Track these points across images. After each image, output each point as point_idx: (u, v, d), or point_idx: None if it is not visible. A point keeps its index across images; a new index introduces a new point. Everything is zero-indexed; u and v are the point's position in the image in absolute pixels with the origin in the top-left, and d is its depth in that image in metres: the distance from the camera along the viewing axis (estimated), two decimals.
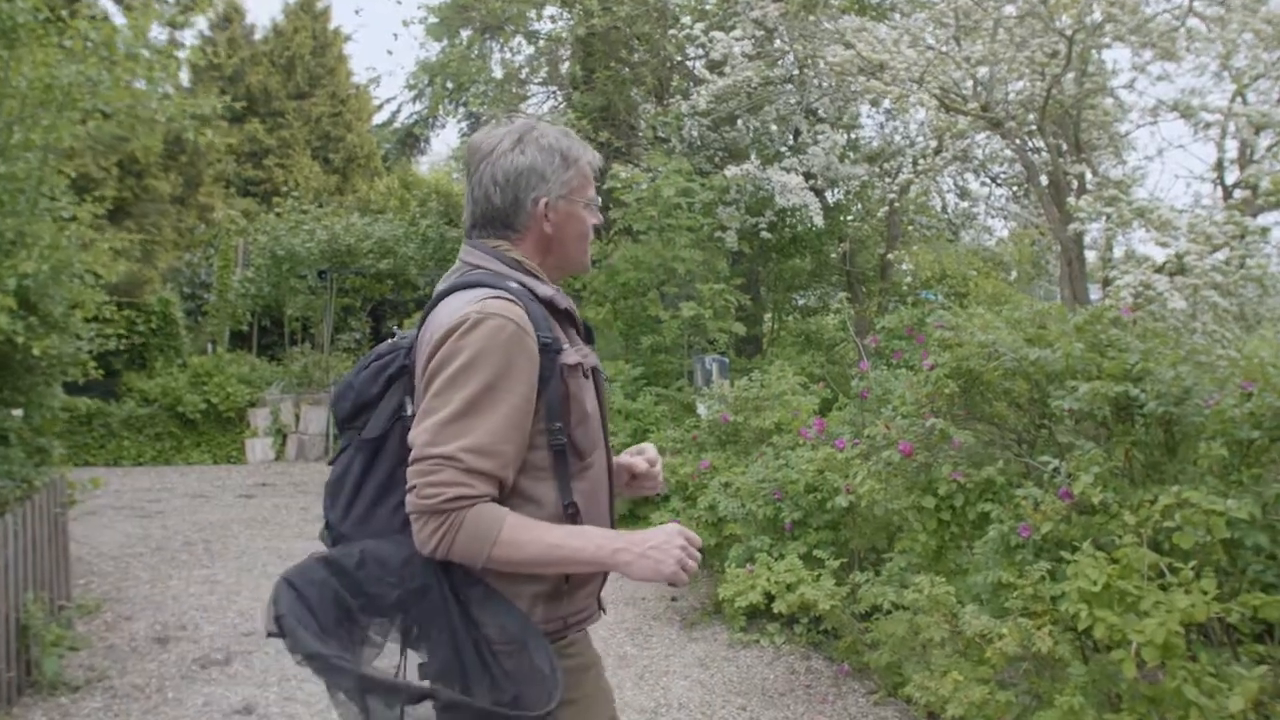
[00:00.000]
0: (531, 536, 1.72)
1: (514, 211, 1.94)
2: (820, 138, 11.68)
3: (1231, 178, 10.67)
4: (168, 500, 12.25)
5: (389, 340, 1.98)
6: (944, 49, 9.58)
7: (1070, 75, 9.37)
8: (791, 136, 12.55)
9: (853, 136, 13.00)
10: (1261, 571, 4.35)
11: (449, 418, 1.70)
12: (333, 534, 1.85)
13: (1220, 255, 8.24)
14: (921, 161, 10.94)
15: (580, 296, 12.17)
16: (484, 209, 1.96)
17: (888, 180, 11.97)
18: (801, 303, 14.78)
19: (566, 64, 16.06)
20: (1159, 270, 7.61)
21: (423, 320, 1.89)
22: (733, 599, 6.25)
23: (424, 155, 27.33)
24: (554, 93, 16.85)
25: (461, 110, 16.74)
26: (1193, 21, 9.32)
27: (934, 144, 12.00)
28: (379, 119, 25.08)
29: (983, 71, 9.69)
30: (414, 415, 1.80)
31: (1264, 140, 9.83)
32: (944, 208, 14.42)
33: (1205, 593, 3.88)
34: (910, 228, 14.15)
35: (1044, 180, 10.15)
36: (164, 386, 15.49)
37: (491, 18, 14.73)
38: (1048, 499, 4.57)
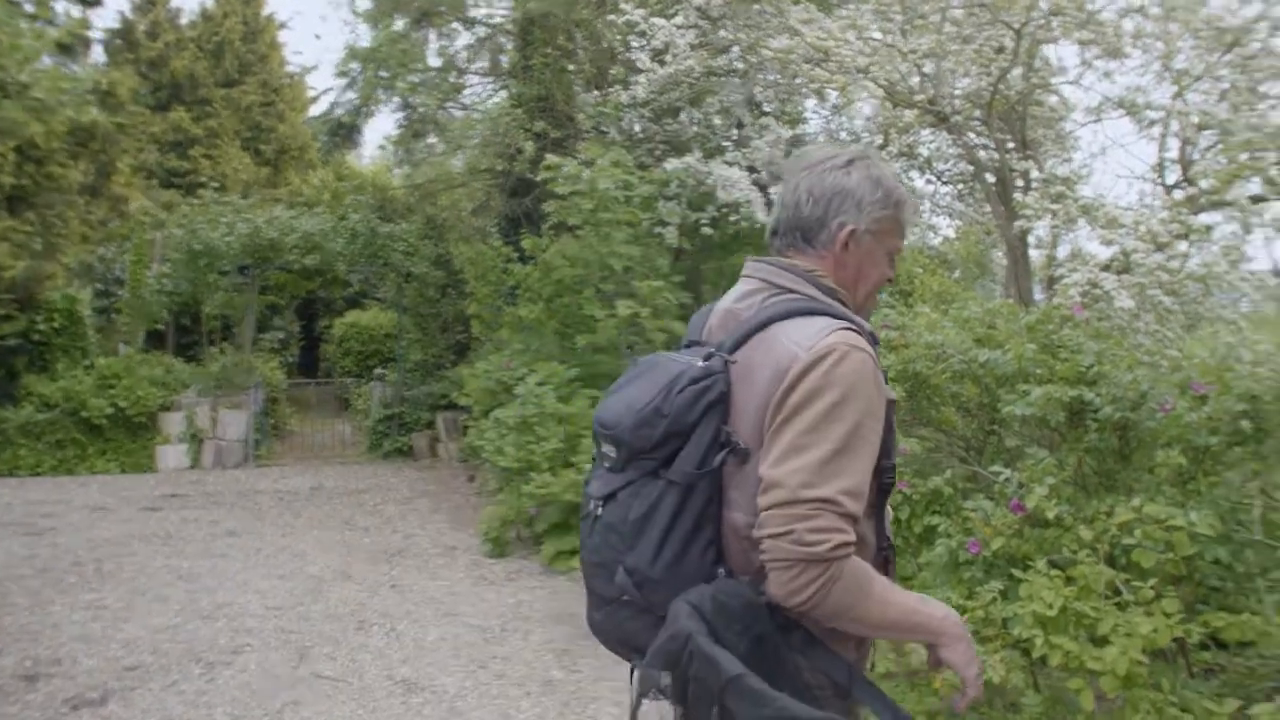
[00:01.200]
0: (898, 598, 1.72)
1: (818, 227, 1.91)
2: (764, 131, 11.35)
3: (1172, 177, 10.57)
4: (63, 515, 11.40)
5: (701, 363, 1.80)
6: (889, 41, 9.31)
7: (1018, 71, 9.15)
8: (735, 130, 12.21)
9: (797, 131, 12.69)
10: (1219, 585, 4.10)
11: (826, 457, 1.62)
12: (635, 579, 1.73)
13: (1163, 254, 8.07)
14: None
15: (513, 294, 11.73)
16: (791, 215, 1.94)
17: None
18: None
19: (506, 55, 15.60)
20: (1106, 268, 7.40)
21: (738, 344, 1.80)
22: None
23: (360, 148, 26.62)
24: (494, 83, 16.39)
25: (395, 101, 16.16)
26: (1139, 19, 9.16)
27: (880, 139, 11.75)
28: (317, 110, 24.38)
29: (929, 66, 9.44)
30: (735, 449, 1.72)
31: (1204, 140, 9.72)
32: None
33: (1169, 615, 3.60)
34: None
35: (990, 177, 9.94)
36: (66, 390, 14.52)
37: (427, 2, 14.21)
38: (998, 512, 4.27)
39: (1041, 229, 9.65)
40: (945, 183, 13.67)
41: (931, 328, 5.12)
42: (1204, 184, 9.73)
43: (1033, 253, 10.39)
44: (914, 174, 13.74)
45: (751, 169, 11.51)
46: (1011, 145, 9.62)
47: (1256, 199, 8.43)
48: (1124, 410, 4.34)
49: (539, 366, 9.91)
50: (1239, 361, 7.97)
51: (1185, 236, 8.42)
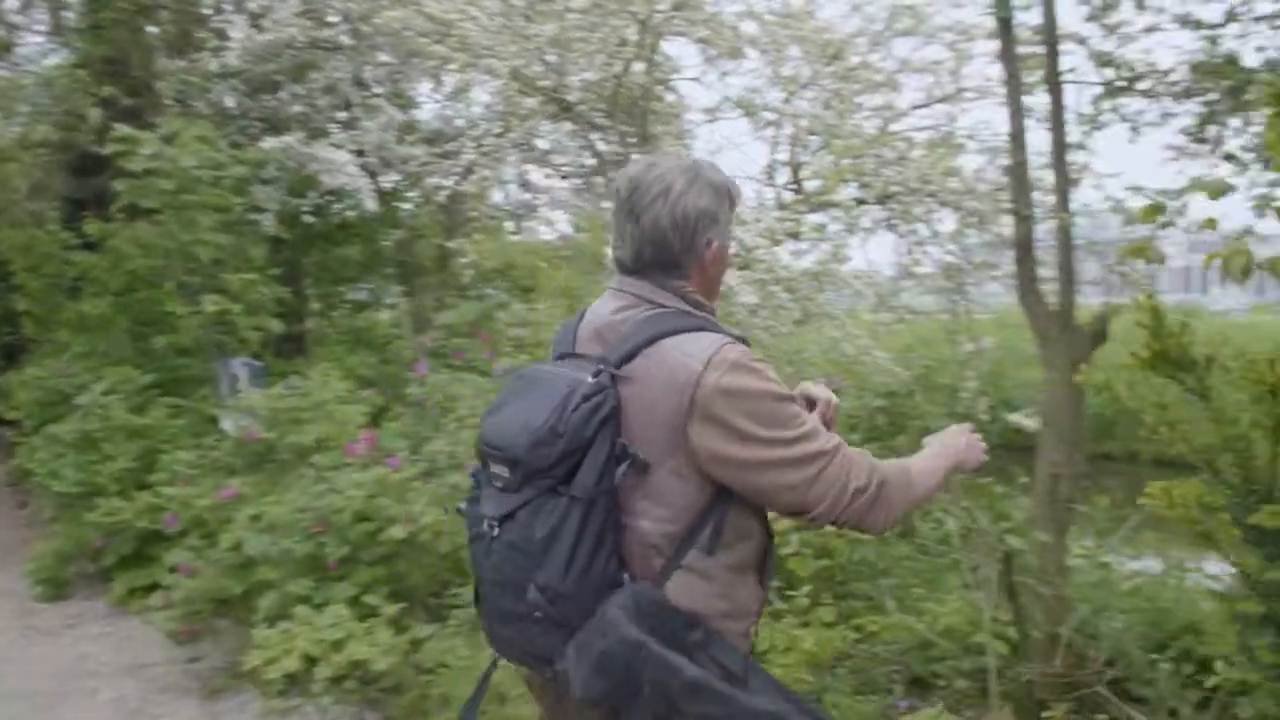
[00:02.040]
0: (921, 464, 2.07)
1: (687, 253, 1.96)
2: (375, 113, 10.46)
3: (782, 178, 11.00)
4: None
5: (591, 379, 1.84)
6: (511, 23, 8.82)
7: (640, 65, 9.01)
8: (342, 110, 11.19)
9: (410, 115, 11.89)
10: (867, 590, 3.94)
11: (791, 436, 1.85)
12: (548, 595, 1.78)
13: (780, 250, 8.22)
14: (486, 143, 10.11)
15: (76, 287, 9.98)
16: (657, 250, 1.96)
17: (448, 163, 11.01)
18: (351, 297, 13.35)
19: (71, 10, 13.41)
20: (745, 265, 7.37)
21: (625, 358, 1.86)
22: (265, 667, 4.90)
23: None
24: (57, 41, 14.04)
25: None
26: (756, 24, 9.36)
27: (499, 128, 11.25)
28: None
29: (552, 56, 9.06)
30: (634, 461, 1.82)
31: (813, 143, 10.17)
32: (506, 198, 13.76)
33: (829, 625, 3.33)
34: (474, 216, 13.31)
35: (612, 172, 9.75)
36: None
37: None
38: None
39: None
40: (564, 177, 13.48)
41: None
42: (811, 186, 10.16)
43: None
44: (530, 167, 13.41)
45: (360, 153, 10.61)
46: (634, 140, 9.49)
47: (860, 201, 8.85)
48: None
49: (107, 372, 8.40)
50: (845, 356, 8.39)
51: (796, 235, 8.67)
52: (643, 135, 9.42)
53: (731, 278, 6.82)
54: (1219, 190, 7.20)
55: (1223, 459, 2.29)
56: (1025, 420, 6.84)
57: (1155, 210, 2.59)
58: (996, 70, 9.92)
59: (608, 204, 12.54)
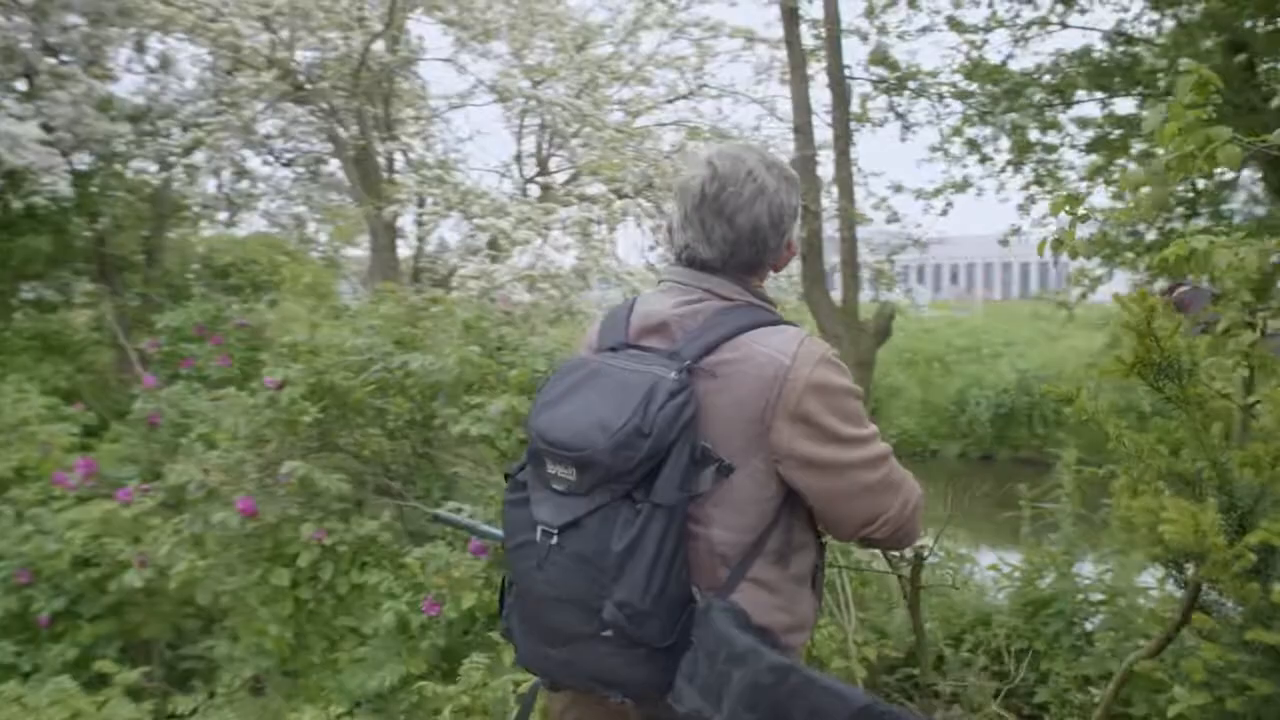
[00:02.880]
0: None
1: (776, 252, 1.85)
2: (68, 84, 9.09)
3: (530, 170, 10.60)
4: None
5: (674, 375, 1.66)
6: None
7: (382, 44, 8.31)
8: (24, 79, 9.66)
9: (110, 89, 10.47)
10: None
11: (872, 436, 1.77)
12: (627, 612, 1.61)
13: (540, 244, 7.83)
14: (202, 124, 9.03)
15: None
16: (755, 251, 1.81)
17: (160, 142, 9.77)
18: (35, 296, 11.56)
19: None
20: (495, 259, 6.88)
21: (705, 352, 1.71)
22: None
23: None
24: None
25: None
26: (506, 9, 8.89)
27: (216, 105, 10.11)
28: None
29: (285, 32, 8.18)
30: (721, 466, 1.69)
31: (560, 136, 9.82)
32: (220, 186, 12.46)
33: None
34: (184, 205, 11.94)
35: (343, 157, 8.97)
36: None
37: None
38: (462, 559, 3.30)
39: (406, 218, 8.95)
40: (287, 164, 12.42)
41: (357, 330, 3.99)
42: (560, 178, 9.82)
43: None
44: (248, 153, 12.23)
45: (49, 128, 9.20)
46: (375, 125, 8.76)
47: (620, 195, 8.59)
48: None
49: None
50: None
51: (546, 232, 8.29)
52: (386, 120, 8.72)
53: (503, 273, 6.34)
54: (963, 188, 7.52)
55: (1206, 475, 2.11)
56: None
57: (1069, 201, 2.42)
58: (743, 69, 10.04)
59: (334, 196, 11.67)
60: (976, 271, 57.54)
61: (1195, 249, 2.19)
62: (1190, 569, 2.63)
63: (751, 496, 1.73)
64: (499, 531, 1.90)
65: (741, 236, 1.80)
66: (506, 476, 1.84)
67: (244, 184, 12.75)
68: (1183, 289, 2.65)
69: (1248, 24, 5.55)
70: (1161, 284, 2.67)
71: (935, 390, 18.60)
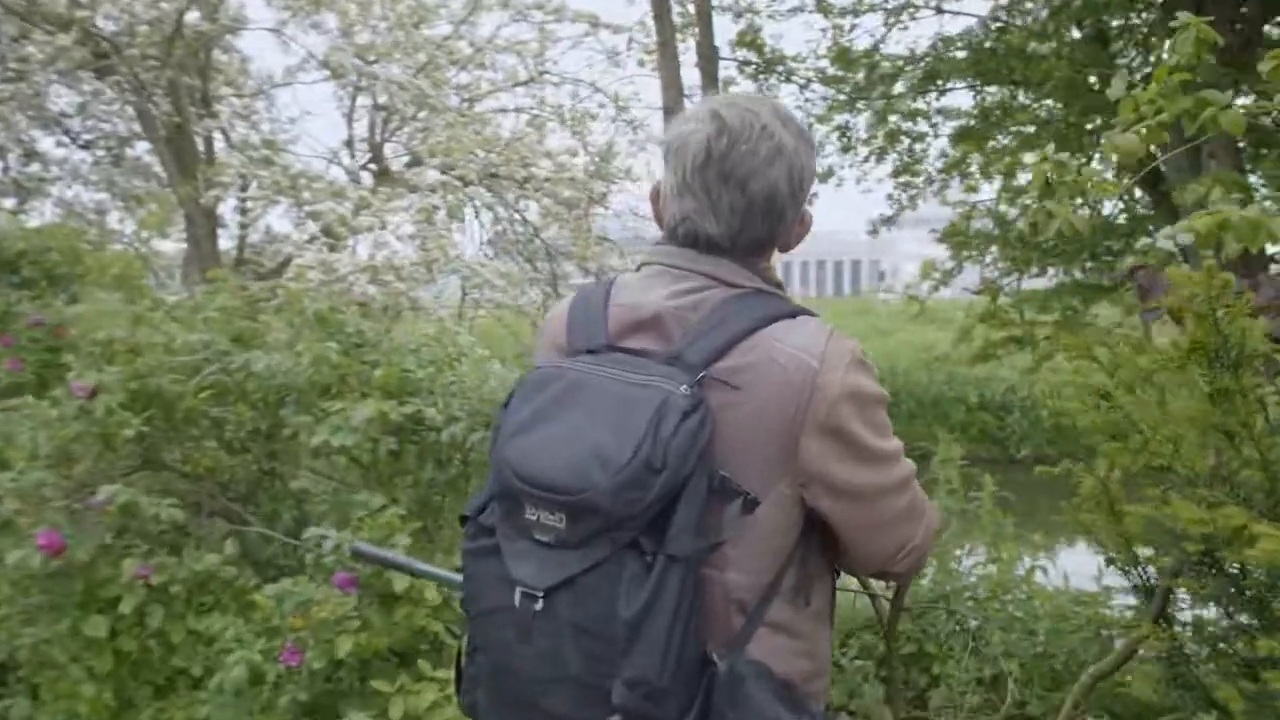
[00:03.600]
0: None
1: (791, 226, 1.52)
2: None
3: (362, 156, 9.90)
4: None
5: (685, 389, 1.33)
6: None
7: (195, 14, 7.51)
8: None
9: None
10: None
11: (901, 451, 1.49)
12: (643, 692, 1.30)
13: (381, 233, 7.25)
14: None
15: None
16: (769, 225, 1.47)
17: None
18: None
19: None
20: (335, 249, 6.25)
21: (715, 356, 1.38)
22: None
23: None
24: None
25: None
26: None
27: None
28: None
29: None
30: (746, 500, 1.37)
31: (396, 120, 9.21)
32: (6, 169, 11.16)
33: None
34: None
35: (158, 139, 8.09)
36: None
37: None
38: (329, 595, 2.81)
39: (227, 205, 8.16)
40: (84, 146, 11.23)
41: (190, 327, 3.38)
42: (397, 164, 9.20)
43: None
44: (37, 133, 11.02)
45: None
46: (192, 101, 7.93)
47: (465, 183, 8.08)
48: (471, 427, 3.18)
49: None
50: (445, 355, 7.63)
51: (384, 227, 7.71)
52: (204, 95, 7.90)
53: (344, 264, 5.74)
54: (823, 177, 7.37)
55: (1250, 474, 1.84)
56: None
57: (1058, 168, 2.15)
58: (590, 56, 9.68)
59: (138, 182, 10.62)
60: (793, 270, 59.33)
61: (1229, 219, 1.92)
62: (1159, 572, 2.46)
63: (774, 529, 1.43)
64: (451, 575, 1.59)
65: (755, 206, 1.46)
66: (463, 519, 1.50)
67: (34, 167, 11.49)
68: (1142, 271, 2.44)
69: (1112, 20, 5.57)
70: (1127, 263, 2.43)
71: None
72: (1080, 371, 2.06)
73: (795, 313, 1.48)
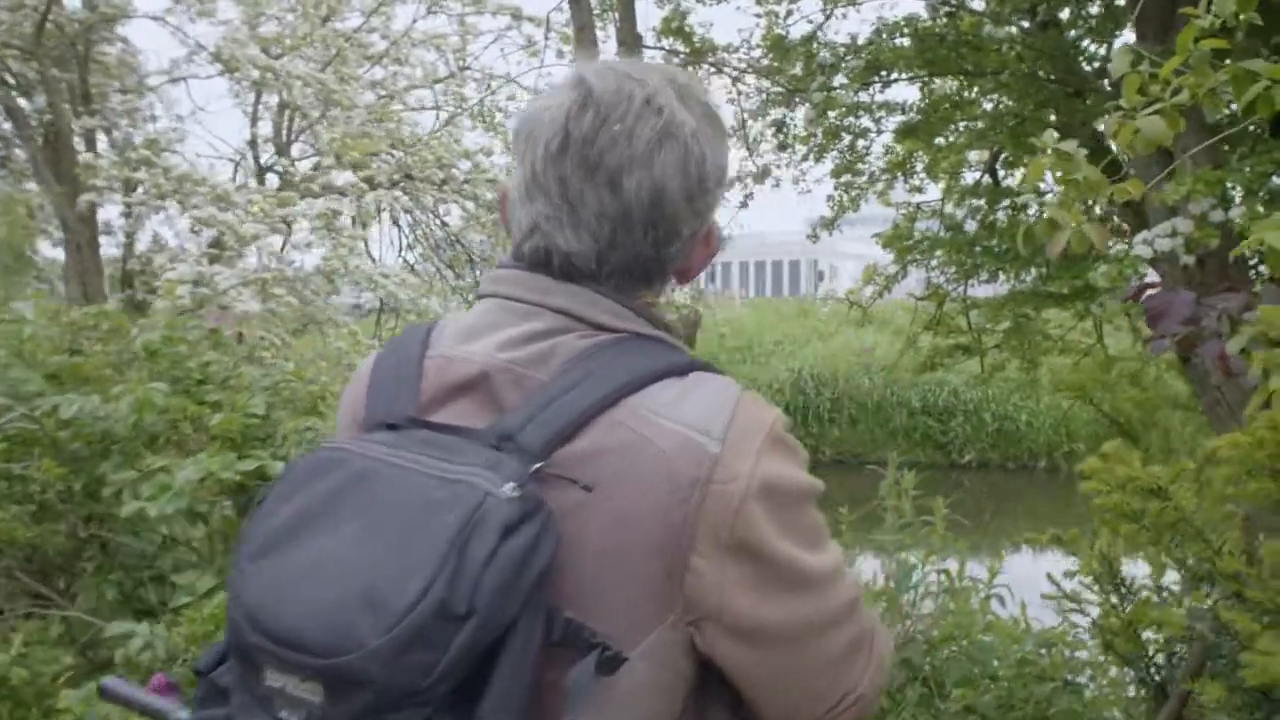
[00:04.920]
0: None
1: (689, 243, 1.08)
2: None
3: (266, 156, 9.26)
4: None
5: (509, 489, 0.88)
6: None
7: (77, 2, 6.83)
8: None
9: None
10: None
11: (840, 567, 1.05)
12: None
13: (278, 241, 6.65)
14: None
15: None
16: (651, 241, 1.04)
17: None
18: None
19: None
20: (214, 260, 5.61)
21: (561, 438, 0.94)
22: None
23: None
24: None
25: None
26: None
27: None
28: None
29: None
30: (604, 656, 0.92)
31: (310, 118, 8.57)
32: None
33: None
34: None
35: (38, 138, 7.38)
36: None
37: None
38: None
39: (113, 211, 7.46)
40: None
41: None
42: (305, 166, 8.57)
43: (102, 240, 8.09)
44: None
45: None
46: (68, 97, 7.22)
47: (374, 185, 7.48)
48: None
49: None
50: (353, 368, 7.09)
51: (289, 224, 7.08)
52: (83, 91, 7.19)
53: (226, 278, 5.10)
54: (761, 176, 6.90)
55: None
56: None
57: (1060, 161, 1.66)
58: (512, 53, 9.15)
59: (26, 185, 9.84)
60: (732, 270, 59.40)
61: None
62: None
63: (650, 690, 1.00)
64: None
65: (632, 212, 1.03)
66: (197, 674, 1.08)
67: None
68: (1153, 292, 1.96)
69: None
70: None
71: None
72: (1122, 459, 1.55)
73: (688, 368, 1.04)
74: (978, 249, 6.71)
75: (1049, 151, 1.64)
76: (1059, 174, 1.63)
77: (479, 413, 1.02)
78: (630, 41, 4.73)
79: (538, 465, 0.93)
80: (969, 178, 7.31)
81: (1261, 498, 1.40)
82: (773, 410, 1.03)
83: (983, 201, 6.77)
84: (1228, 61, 1.79)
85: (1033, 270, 6.26)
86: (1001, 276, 6.76)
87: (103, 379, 3.06)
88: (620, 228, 1.04)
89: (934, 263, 7.40)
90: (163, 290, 4.73)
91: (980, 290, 7.66)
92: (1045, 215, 1.62)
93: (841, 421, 16.97)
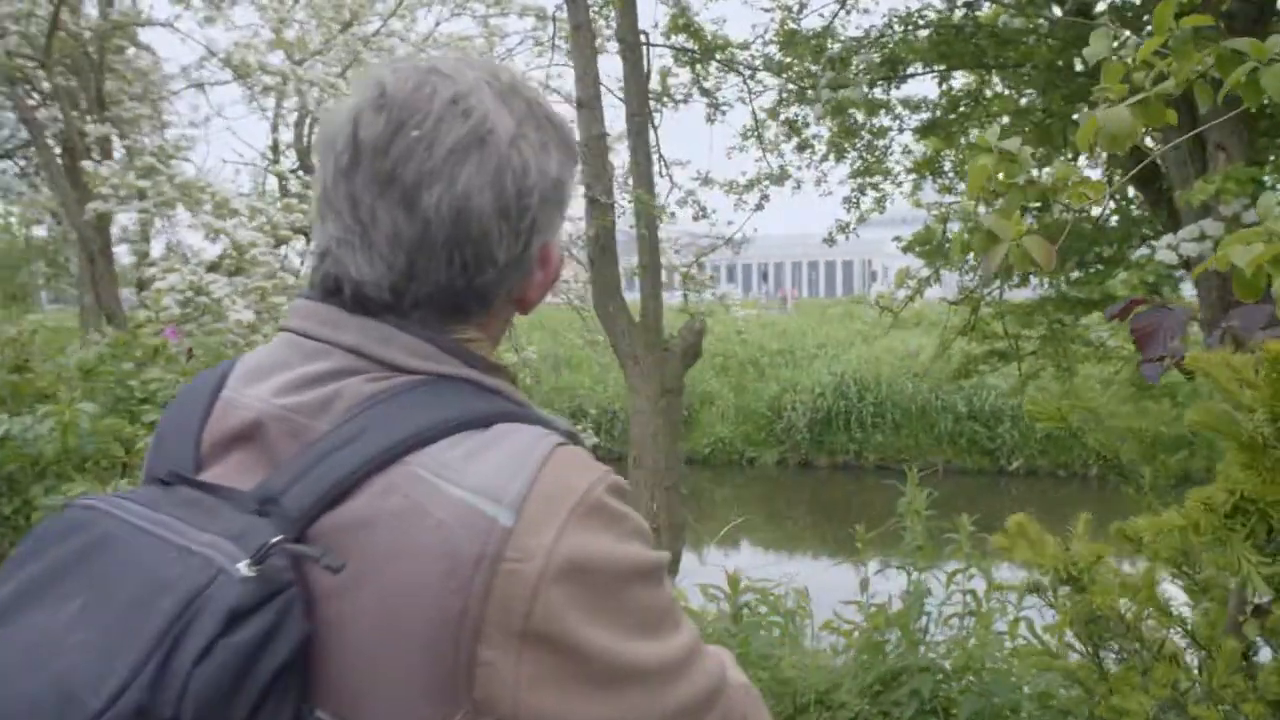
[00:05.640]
0: None
1: (510, 271, 0.91)
2: None
3: (289, 162, 9.21)
4: None
5: (242, 568, 0.73)
6: None
7: (95, 7, 6.80)
8: None
9: None
10: None
11: (676, 663, 0.85)
12: None
13: (288, 251, 6.54)
14: None
15: None
16: (459, 268, 0.88)
17: None
18: None
19: None
20: (214, 268, 5.51)
21: (322, 504, 0.79)
22: None
23: None
24: None
25: None
26: None
27: None
28: None
29: None
30: None
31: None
32: None
33: None
34: None
35: (56, 146, 7.37)
36: None
37: None
38: None
39: (129, 216, 7.43)
40: (6, 155, 10.58)
41: None
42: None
43: (121, 249, 8.08)
44: None
45: None
46: (85, 103, 7.21)
47: None
48: None
49: None
50: None
51: (305, 232, 7.00)
52: (98, 97, 7.16)
53: (218, 286, 4.98)
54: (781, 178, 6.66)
55: None
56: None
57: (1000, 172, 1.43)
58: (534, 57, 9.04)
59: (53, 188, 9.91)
60: (785, 271, 58.90)
61: None
62: None
63: None
64: None
65: (432, 233, 0.87)
66: None
67: None
68: (1142, 307, 1.70)
69: None
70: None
71: (750, 395, 18.13)
72: (1028, 536, 1.32)
73: (492, 419, 0.87)
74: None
75: (990, 151, 1.42)
76: (1000, 177, 1.40)
77: (254, 468, 0.86)
78: (630, 40, 4.52)
79: (277, 539, 0.76)
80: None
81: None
82: (593, 472, 0.85)
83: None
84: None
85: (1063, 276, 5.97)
86: (1034, 280, 6.45)
87: (56, 397, 2.93)
88: (419, 252, 0.87)
89: (967, 266, 7.12)
90: (149, 300, 4.63)
91: (1018, 295, 7.36)
92: (983, 226, 1.39)
93: (885, 427, 16.61)
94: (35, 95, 7.48)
